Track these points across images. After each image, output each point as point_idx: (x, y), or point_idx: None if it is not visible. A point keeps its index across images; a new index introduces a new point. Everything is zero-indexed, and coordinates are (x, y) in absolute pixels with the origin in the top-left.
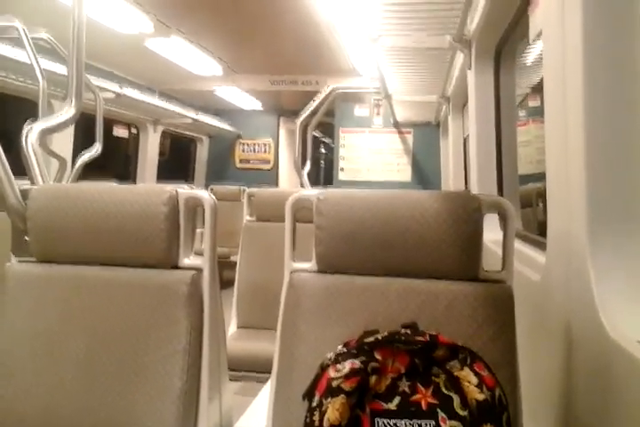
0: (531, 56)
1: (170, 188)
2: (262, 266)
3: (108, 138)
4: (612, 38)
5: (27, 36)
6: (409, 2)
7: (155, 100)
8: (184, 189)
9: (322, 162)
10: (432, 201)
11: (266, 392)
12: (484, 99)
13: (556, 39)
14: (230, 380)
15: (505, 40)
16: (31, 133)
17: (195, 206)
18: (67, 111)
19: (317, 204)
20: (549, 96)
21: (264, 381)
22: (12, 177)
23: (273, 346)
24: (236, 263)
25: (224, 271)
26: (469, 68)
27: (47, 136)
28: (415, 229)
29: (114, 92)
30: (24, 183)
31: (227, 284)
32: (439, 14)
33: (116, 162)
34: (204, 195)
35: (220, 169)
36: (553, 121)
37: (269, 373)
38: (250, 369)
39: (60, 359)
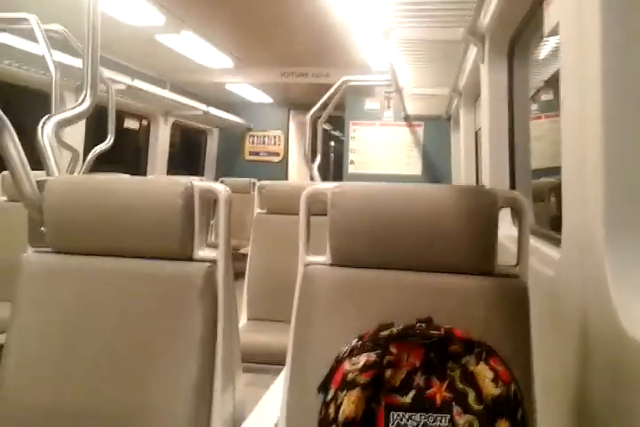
0: (544, 51)
1: (185, 180)
2: (273, 258)
3: (119, 130)
4: (631, 31)
5: (40, 27)
6: None
7: (165, 93)
8: (199, 182)
9: (331, 155)
10: (447, 195)
11: (279, 384)
12: (497, 93)
13: (573, 32)
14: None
15: (519, 34)
16: (47, 125)
17: (209, 199)
18: (82, 103)
19: (332, 197)
20: (566, 89)
21: (276, 372)
22: (29, 168)
23: (285, 338)
24: (245, 255)
25: (234, 263)
26: (482, 62)
27: (60, 129)
28: (430, 223)
29: (126, 84)
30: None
31: (236, 275)
32: (452, 7)
33: (127, 154)
34: (220, 187)
35: (230, 162)
36: (570, 114)
37: (281, 364)
38: (262, 361)
39: (74, 350)
